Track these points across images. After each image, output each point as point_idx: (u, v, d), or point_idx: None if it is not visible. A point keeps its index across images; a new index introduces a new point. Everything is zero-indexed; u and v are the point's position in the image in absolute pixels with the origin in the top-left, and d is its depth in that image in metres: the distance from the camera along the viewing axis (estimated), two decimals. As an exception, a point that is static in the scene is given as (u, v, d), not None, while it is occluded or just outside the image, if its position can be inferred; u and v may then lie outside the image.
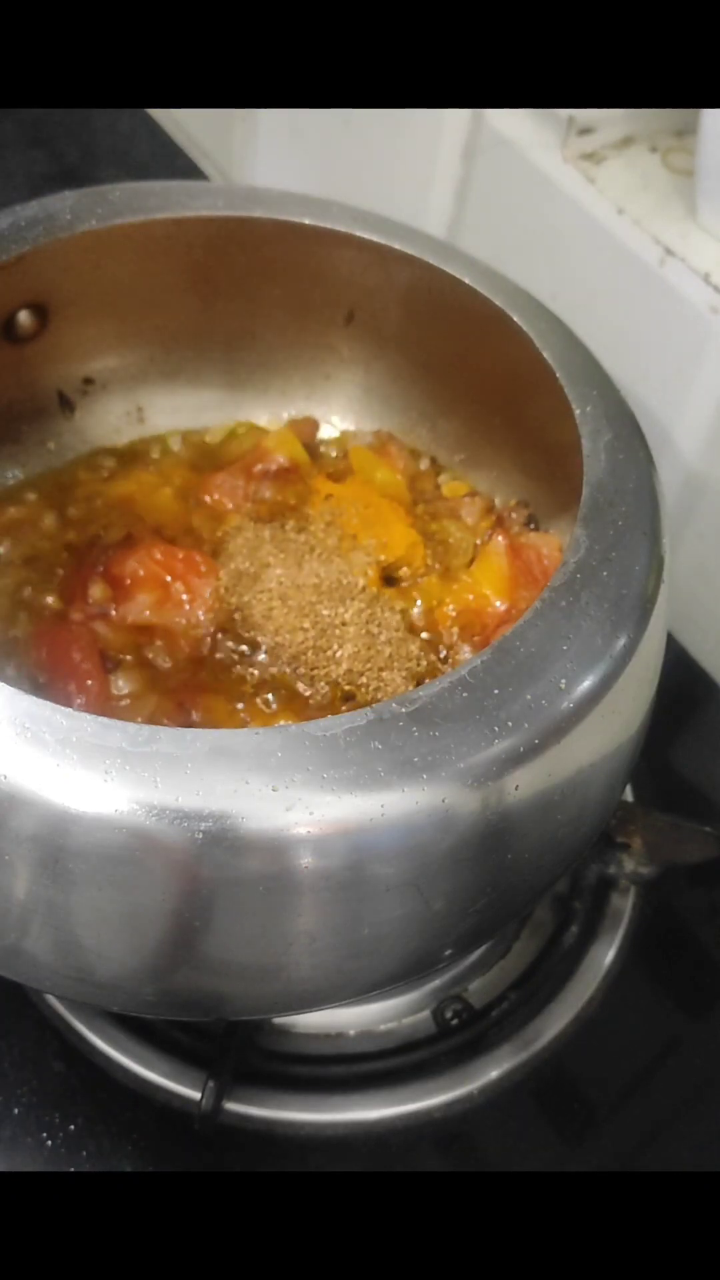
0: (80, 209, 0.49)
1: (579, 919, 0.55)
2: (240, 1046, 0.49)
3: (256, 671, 0.49)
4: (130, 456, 0.58)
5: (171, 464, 0.58)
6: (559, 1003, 0.52)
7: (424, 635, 0.51)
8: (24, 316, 0.52)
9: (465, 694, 0.36)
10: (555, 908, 0.55)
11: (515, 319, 0.48)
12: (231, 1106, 0.48)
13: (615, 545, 0.41)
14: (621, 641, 0.39)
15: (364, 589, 0.50)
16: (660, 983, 0.54)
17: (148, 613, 0.50)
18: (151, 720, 0.47)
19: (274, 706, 0.48)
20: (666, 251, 0.56)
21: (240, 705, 0.48)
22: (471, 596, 0.52)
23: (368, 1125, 0.49)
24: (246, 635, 0.49)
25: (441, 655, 0.50)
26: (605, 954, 0.54)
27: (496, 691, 0.36)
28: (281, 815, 0.33)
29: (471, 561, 0.53)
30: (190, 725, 0.47)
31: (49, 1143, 0.47)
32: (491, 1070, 0.50)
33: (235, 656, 0.49)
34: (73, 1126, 0.48)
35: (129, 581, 0.51)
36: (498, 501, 0.57)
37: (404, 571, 0.53)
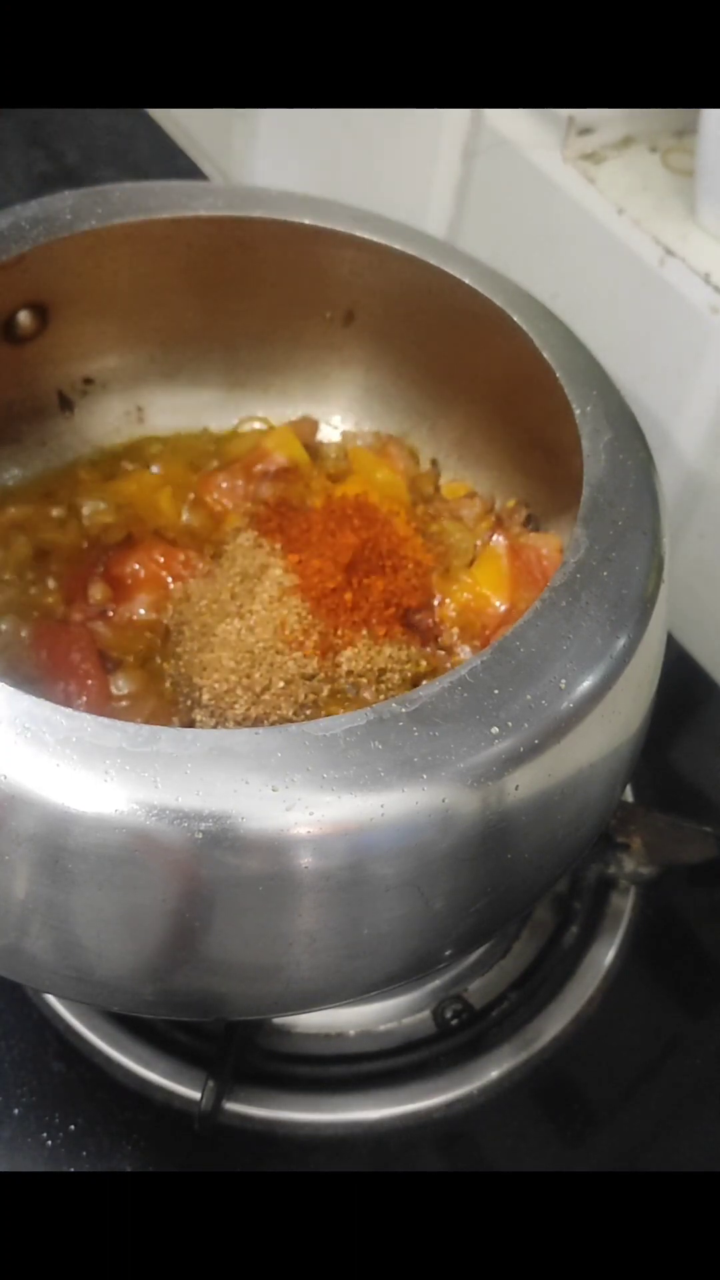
0: (80, 209, 0.49)
1: (579, 919, 0.55)
2: (240, 1046, 0.49)
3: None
4: (130, 456, 0.58)
5: (172, 464, 0.58)
6: (559, 1003, 0.52)
7: (424, 636, 0.51)
8: (24, 316, 0.52)
9: (465, 694, 0.36)
10: (555, 908, 0.55)
11: (515, 319, 0.48)
12: (231, 1106, 0.48)
13: (615, 545, 0.41)
14: (621, 641, 0.39)
15: (364, 589, 0.50)
16: (660, 983, 0.54)
17: (146, 612, 0.50)
18: (151, 720, 0.47)
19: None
20: (666, 251, 0.56)
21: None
22: (471, 597, 0.52)
23: (368, 1125, 0.49)
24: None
25: (442, 656, 0.50)
26: (605, 954, 0.54)
27: (496, 691, 0.36)
28: (281, 815, 0.33)
29: (471, 562, 0.53)
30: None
31: (49, 1143, 0.47)
32: (491, 1070, 0.50)
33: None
34: (73, 1126, 0.48)
35: (129, 582, 0.51)
36: (498, 502, 0.57)
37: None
